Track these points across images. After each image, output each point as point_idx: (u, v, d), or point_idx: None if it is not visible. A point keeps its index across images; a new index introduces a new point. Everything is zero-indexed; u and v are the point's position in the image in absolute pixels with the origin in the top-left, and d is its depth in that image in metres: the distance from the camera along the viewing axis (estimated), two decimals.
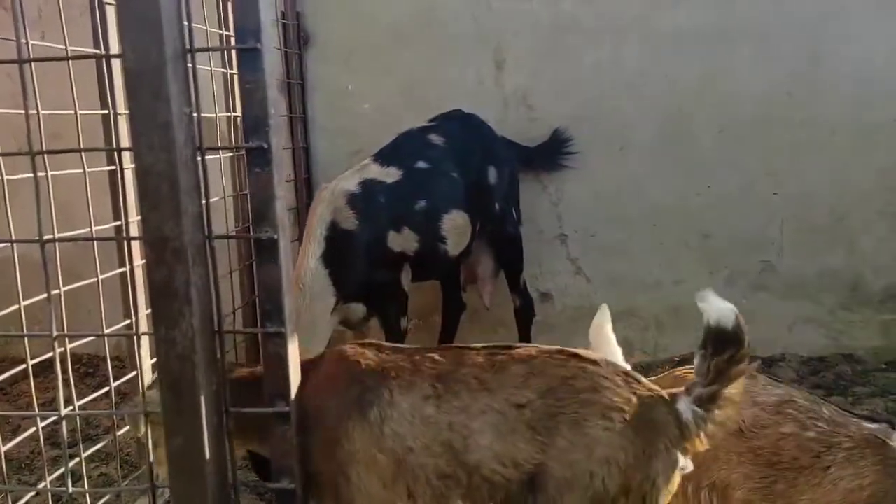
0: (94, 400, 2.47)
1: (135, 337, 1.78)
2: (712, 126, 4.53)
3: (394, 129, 4.08)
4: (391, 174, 3.71)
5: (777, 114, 4.47)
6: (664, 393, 1.78)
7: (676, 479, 1.74)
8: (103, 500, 2.56)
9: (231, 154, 3.55)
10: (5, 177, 2.05)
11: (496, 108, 4.52)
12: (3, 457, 2.01)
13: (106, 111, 2.41)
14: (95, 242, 2.27)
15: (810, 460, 1.95)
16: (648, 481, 1.68)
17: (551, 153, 4.54)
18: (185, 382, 1.51)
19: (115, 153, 2.01)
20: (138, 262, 2.23)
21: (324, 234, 3.45)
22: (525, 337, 4.31)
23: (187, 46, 1.53)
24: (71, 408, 2.02)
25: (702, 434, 1.72)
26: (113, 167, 2.45)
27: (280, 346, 1.61)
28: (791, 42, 4.41)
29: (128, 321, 2.30)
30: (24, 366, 2.07)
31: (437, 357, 1.82)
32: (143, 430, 1.79)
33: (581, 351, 1.83)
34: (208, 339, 1.56)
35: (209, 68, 3.21)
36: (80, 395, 2.28)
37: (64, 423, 1.80)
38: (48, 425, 2.12)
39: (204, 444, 1.53)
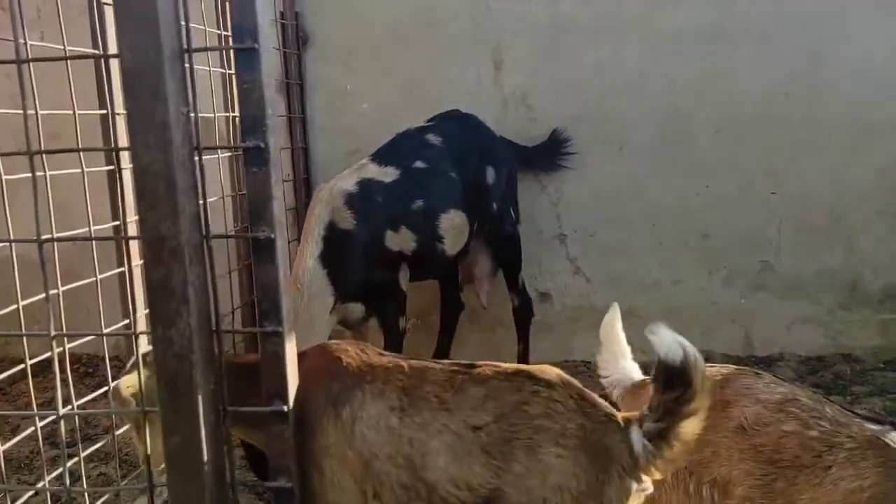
0: (93, 400, 2.47)
1: (133, 336, 1.78)
2: (711, 126, 4.54)
3: (393, 129, 4.09)
4: (389, 174, 3.72)
5: (776, 114, 4.47)
6: (619, 417, 1.77)
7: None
8: (102, 499, 2.56)
9: (230, 154, 3.56)
10: (4, 177, 2.05)
11: (495, 108, 4.53)
12: (2, 457, 2.01)
13: (104, 111, 2.41)
14: (94, 242, 2.27)
15: (812, 459, 1.94)
16: None
17: (550, 153, 4.55)
18: (183, 381, 1.51)
19: (114, 153, 2.01)
20: (137, 261, 2.24)
21: (321, 234, 3.46)
22: (523, 337, 4.32)
23: (185, 46, 1.53)
24: (70, 407, 2.02)
25: (653, 467, 1.70)
26: (111, 167, 2.45)
27: (278, 345, 1.61)
28: (790, 42, 4.41)
29: (126, 321, 2.31)
30: (22, 365, 2.07)
31: (406, 368, 1.84)
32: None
33: (537, 371, 1.81)
34: (206, 339, 1.56)
35: (208, 68, 3.22)
36: (80, 395, 2.28)
37: (62, 422, 1.80)
38: (47, 425, 2.12)
39: (202, 443, 1.53)
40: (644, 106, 4.55)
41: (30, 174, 1.72)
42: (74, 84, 2.23)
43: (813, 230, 4.56)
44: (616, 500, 1.68)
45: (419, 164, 3.81)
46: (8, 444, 2.14)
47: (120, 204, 2.32)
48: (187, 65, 1.55)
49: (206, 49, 1.73)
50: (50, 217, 1.96)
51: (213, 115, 3.18)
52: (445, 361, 1.89)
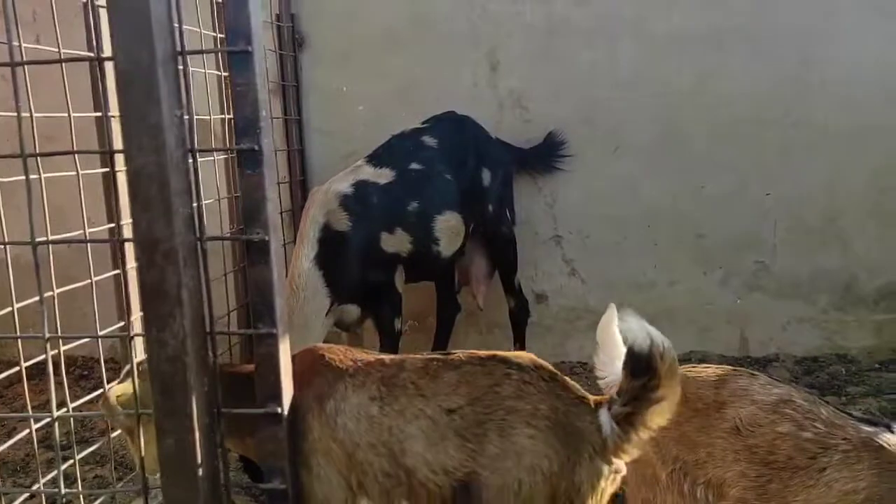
0: (89, 402, 2.47)
1: (128, 339, 1.78)
2: (705, 127, 4.55)
3: (388, 131, 4.09)
4: (384, 175, 3.72)
5: (770, 115, 4.49)
6: (590, 399, 1.79)
7: (603, 485, 1.74)
8: (97, 502, 2.56)
9: (225, 156, 3.56)
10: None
11: (490, 109, 4.53)
12: None
13: (99, 114, 2.42)
14: (89, 245, 2.28)
15: (806, 461, 1.94)
16: (573, 489, 1.70)
17: (546, 155, 4.55)
18: (177, 384, 1.52)
19: (108, 156, 2.02)
20: (132, 264, 2.24)
21: (317, 236, 3.46)
22: (520, 338, 4.33)
23: (178, 49, 1.54)
24: (64, 409, 2.02)
25: (620, 450, 1.73)
26: (106, 170, 2.46)
27: (272, 346, 1.61)
28: (784, 44, 4.43)
29: (121, 324, 2.31)
30: (18, 368, 2.08)
31: (386, 361, 1.89)
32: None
33: (510, 356, 1.85)
34: (200, 341, 1.57)
35: (203, 70, 3.22)
36: (75, 398, 2.29)
37: (57, 424, 1.81)
38: (42, 427, 2.12)
39: (196, 445, 1.54)
40: (639, 107, 4.56)
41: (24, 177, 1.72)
42: (70, 87, 2.24)
43: (807, 231, 4.58)
44: (587, 481, 1.70)
45: (415, 165, 3.82)
46: (3, 447, 2.14)
47: (114, 207, 2.33)
48: (181, 67, 1.55)
49: (199, 52, 1.74)
50: (45, 220, 1.97)
51: (208, 116, 3.18)
52: (426, 353, 1.93)
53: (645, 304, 4.46)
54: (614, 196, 4.63)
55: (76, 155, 2.01)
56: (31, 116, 1.97)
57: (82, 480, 2.30)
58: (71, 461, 2.24)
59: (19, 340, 2.02)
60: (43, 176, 1.95)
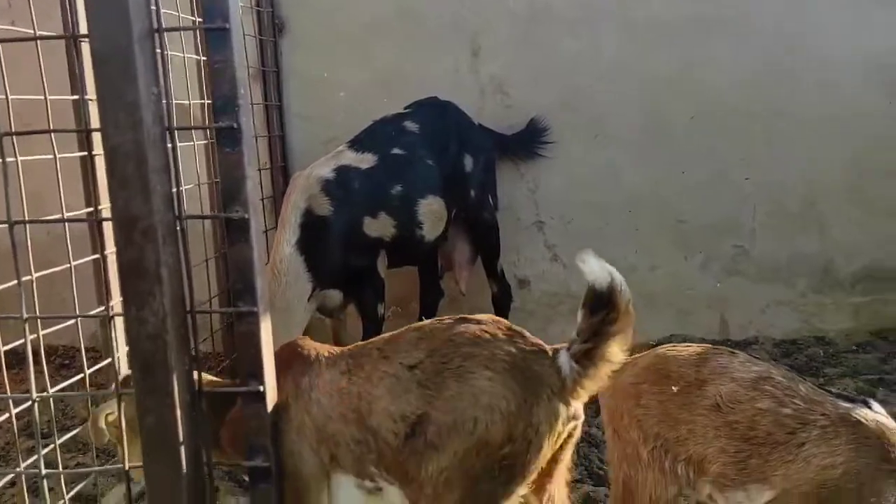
0: (70, 387, 2.45)
1: (108, 319, 1.77)
2: (687, 114, 4.57)
3: (369, 116, 4.08)
4: (366, 160, 3.71)
5: (751, 102, 4.52)
6: (547, 347, 1.85)
7: (560, 427, 1.79)
8: (78, 487, 2.55)
9: (205, 141, 3.54)
10: None
11: (473, 95, 4.52)
12: None
13: (76, 97, 2.39)
14: (67, 228, 2.25)
15: (785, 436, 1.97)
16: (531, 429, 1.74)
17: (528, 141, 4.56)
18: (157, 362, 1.51)
19: (85, 136, 2.00)
20: (111, 248, 2.22)
21: (299, 221, 3.45)
22: None
23: (154, 26, 1.53)
24: (44, 392, 2.00)
25: (580, 387, 1.78)
26: (84, 153, 2.43)
27: (253, 324, 1.61)
28: (765, 33, 4.45)
29: (101, 308, 2.29)
30: None
31: (358, 342, 2.01)
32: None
33: (471, 315, 1.93)
34: (180, 319, 1.56)
35: (182, 55, 3.19)
36: (55, 385, 2.27)
37: (36, 406, 1.79)
38: (23, 414, 2.10)
39: (177, 422, 1.54)
40: (621, 94, 4.57)
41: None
42: (46, 71, 2.21)
43: (786, 215, 4.62)
44: (545, 421, 1.74)
45: (397, 150, 3.81)
46: None
47: (92, 189, 2.31)
48: (158, 47, 1.54)
49: (176, 29, 1.72)
50: (22, 204, 1.95)
51: (187, 101, 3.15)
52: None
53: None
54: (596, 182, 4.64)
55: (53, 137, 1.98)
56: (7, 98, 1.94)
57: (64, 467, 2.28)
58: (52, 446, 2.22)
59: None
60: (20, 159, 1.92)
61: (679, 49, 4.49)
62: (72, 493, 2.34)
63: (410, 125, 3.96)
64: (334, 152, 3.78)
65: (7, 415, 2.10)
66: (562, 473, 1.94)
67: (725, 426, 2.01)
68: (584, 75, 4.56)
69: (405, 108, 4.08)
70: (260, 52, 4.42)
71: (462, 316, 1.93)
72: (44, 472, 1.72)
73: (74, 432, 2.47)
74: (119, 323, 2.34)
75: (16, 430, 2.14)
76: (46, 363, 2.15)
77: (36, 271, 2.08)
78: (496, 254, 4.30)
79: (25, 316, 1.71)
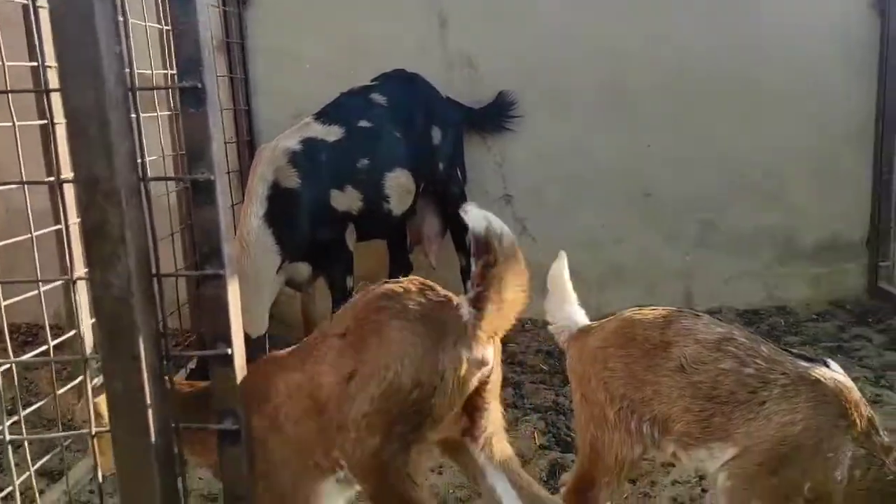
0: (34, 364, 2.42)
1: (71, 283, 1.74)
2: (654, 88, 4.61)
3: (337, 90, 4.05)
4: (333, 133, 3.69)
5: (716, 76, 4.57)
6: (454, 297, 1.94)
7: (465, 372, 1.87)
8: (43, 461, 2.52)
9: (169, 112, 3.48)
10: None
11: (440, 68, 4.51)
12: None
13: (35, 63, 2.33)
14: (29, 204, 2.21)
15: (747, 395, 2.02)
16: (437, 374, 1.84)
17: (495, 115, 4.56)
18: (123, 325, 1.49)
19: (45, 97, 1.96)
20: (74, 218, 2.19)
21: (266, 194, 3.42)
22: None
23: None
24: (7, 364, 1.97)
25: (479, 331, 1.87)
26: (44, 122, 2.38)
27: (219, 287, 1.60)
28: (733, 7, 4.50)
29: (66, 277, 2.26)
30: None
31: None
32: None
33: (392, 280, 2.04)
34: (146, 282, 1.54)
35: (144, 24, 3.13)
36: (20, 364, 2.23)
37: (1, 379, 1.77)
38: None
39: (144, 387, 1.52)
40: (589, 68, 4.60)
41: None
42: (6, 41, 2.15)
43: (751, 189, 4.70)
44: (449, 367, 1.84)
45: (364, 123, 3.79)
46: None
47: (54, 156, 2.27)
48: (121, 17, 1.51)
49: None
50: None
51: (150, 70, 3.09)
52: None
53: (595, 262, 4.61)
54: (564, 156, 4.67)
55: (10, 100, 1.94)
56: None
57: (29, 445, 2.25)
58: (16, 418, 2.19)
59: None
60: None
61: (648, 23, 4.52)
62: (37, 465, 2.31)
63: (377, 98, 3.94)
64: (300, 124, 3.74)
65: None
66: (495, 423, 2.03)
67: (689, 386, 2.05)
68: (551, 49, 4.57)
69: (372, 81, 4.05)
70: (224, 24, 4.36)
71: (384, 281, 2.02)
72: (7, 437, 1.70)
73: (40, 404, 2.43)
74: (83, 294, 2.33)
75: None
76: (10, 341, 2.12)
77: None
78: (464, 227, 4.29)
79: None
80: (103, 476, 1.80)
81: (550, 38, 4.57)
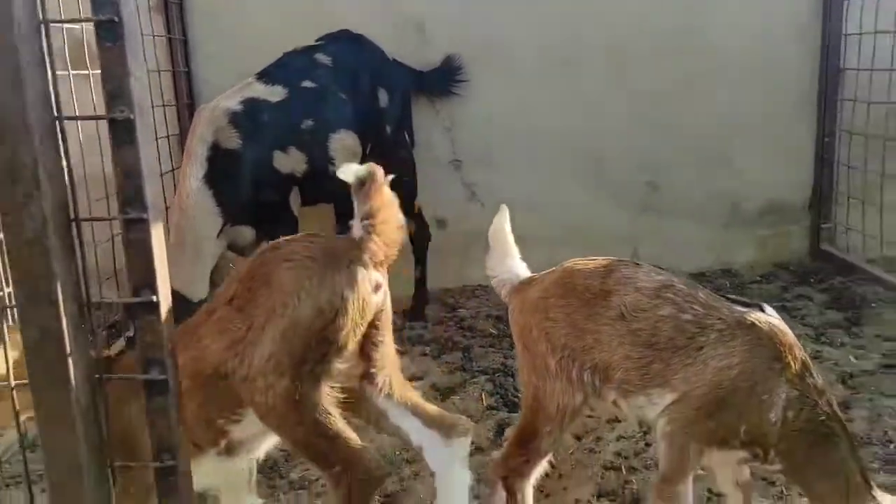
0: None
1: None
2: (602, 52, 4.61)
3: (281, 51, 3.94)
4: (276, 93, 3.60)
5: (665, 40, 4.60)
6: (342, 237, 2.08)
7: (365, 293, 1.94)
8: None
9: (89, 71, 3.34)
10: None
11: (387, 30, 4.42)
12: None
13: None
14: None
15: (685, 341, 2.03)
16: (337, 296, 1.89)
17: (443, 79, 4.51)
18: (38, 269, 1.43)
19: None
20: None
21: (205, 155, 3.33)
22: (421, 260, 4.34)
23: None
24: None
25: (373, 243, 1.98)
26: None
27: (143, 232, 1.53)
28: None
29: None
30: None
31: None
32: None
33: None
34: (63, 228, 1.48)
35: None
36: None
37: None
38: None
39: (63, 334, 1.46)
40: (537, 31, 4.57)
41: None
42: None
43: (698, 153, 4.74)
44: (348, 287, 1.91)
45: (308, 83, 3.71)
46: None
47: None
48: None
49: None
50: None
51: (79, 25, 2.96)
52: None
53: (543, 225, 4.60)
54: (513, 120, 4.65)
55: None
56: None
57: None
58: None
59: None
60: None
61: None
62: None
63: (322, 58, 3.85)
64: (242, 84, 3.65)
65: None
66: (390, 359, 2.10)
67: (629, 334, 2.05)
68: (500, 12, 4.53)
69: (316, 41, 3.96)
70: None
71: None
72: None
73: None
74: None
75: None
76: None
77: None
78: (413, 192, 4.27)
79: None
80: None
81: (498, 2, 4.53)
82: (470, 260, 4.70)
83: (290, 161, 3.58)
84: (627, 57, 4.60)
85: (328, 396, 1.92)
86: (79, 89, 2.18)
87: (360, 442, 1.97)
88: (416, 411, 2.14)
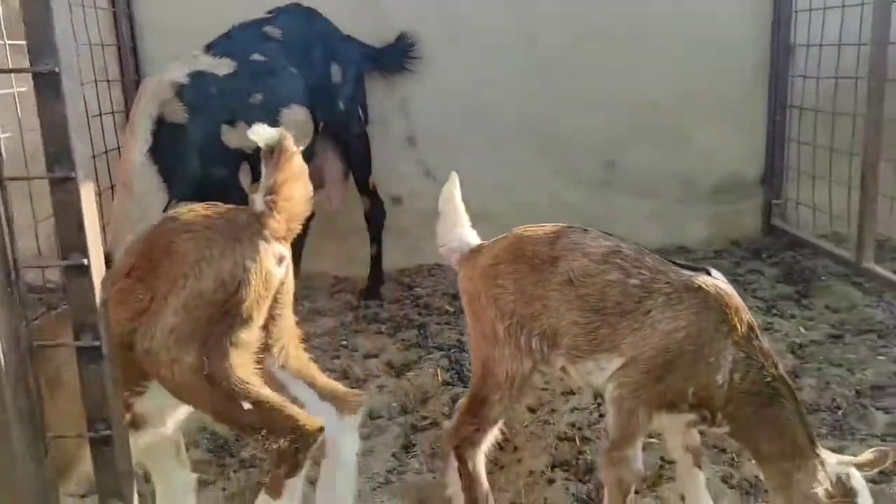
0: None
1: None
2: (558, 29, 4.60)
3: (229, 25, 3.84)
4: (224, 66, 3.52)
5: (619, 18, 4.61)
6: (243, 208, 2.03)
7: (269, 265, 1.92)
8: None
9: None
10: None
11: (341, 5, 4.34)
12: None
13: None
14: None
15: (633, 305, 2.02)
16: (239, 268, 1.87)
17: (398, 56, 4.46)
18: None
19: None
20: None
21: (150, 129, 3.24)
22: (376, 238, 4.30)
23: None
24: None
25: (273, 220, 1.94)
26: None
27: (72, 192, 1.47)
28: None
29: None
30: None
31: None
32: None
33: None
34: None
35: None
36: None
37: None
38: None
39: None
40: (494, 9, 4.56)
41: None
42: None
43: (653, 131, 4.76)
44: (250, 257, 1.88)
45: (257, 56, 3.63)
46: None
47: None
48: None
49: None
50: None
51: None
52: None
53: (499, 205, 4.58)
54: (468, 97, 4.62)
55: None
56: None
57: None
58: None
59: None
60: None
61: None
62: None
63: (272, 31, 3.78)
64: (188, 56, 3.55)
65: None
66: (289, 331, 2.08)
67: (577, 299, 2.04)
68: None
69: (266, 14, 3.88)
70: None
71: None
72: None
73: None
74: None
75: None
76: None
77: None
78: (367, 169, 4.22)
79: None
80: None
81: None
82: (426, 239, 4.66)
83: (239, 136, 3.49)
84: (583, 35, 4.60)
85: (243, 366, 1.88)
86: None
87: (285, 403, 1.94)
88: (312, 384, 2.14)
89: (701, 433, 2.26)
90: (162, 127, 3.27)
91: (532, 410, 3.06)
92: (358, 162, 4.16)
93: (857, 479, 1.97)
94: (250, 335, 1.90)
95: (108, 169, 3.90)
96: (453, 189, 2.34)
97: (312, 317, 4.09)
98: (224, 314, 1.84)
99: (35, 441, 1.51)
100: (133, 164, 3.20)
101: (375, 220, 4.27)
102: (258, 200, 1.97)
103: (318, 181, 4.24)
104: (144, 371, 1.84)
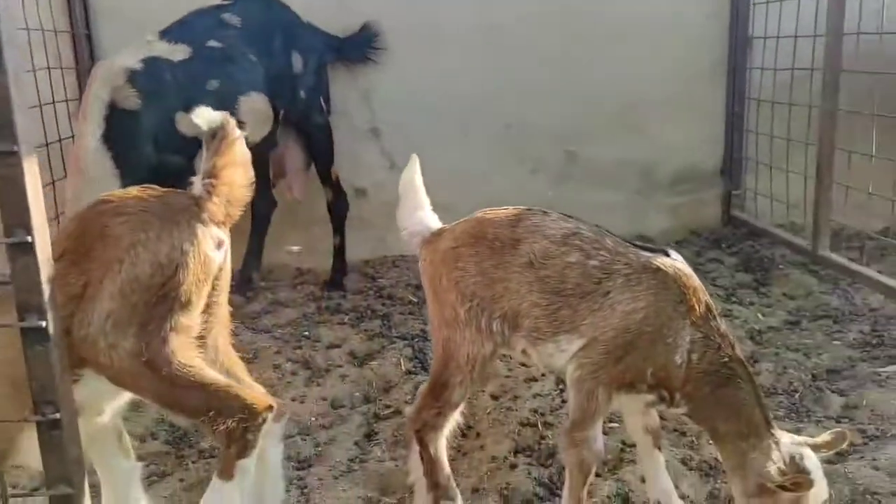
0: None
1: None
2: (520, 20, 4.60)
3: (186, 12, 3.78)
4: (179, 52, 3.45)
5: (581, 10, 4.63)
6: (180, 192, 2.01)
7: (207, 249, 1.89)
8: None
9: None
10: None
11: None
12: None
13: None
14: None
15: (592, 286, 2.03)
16: (176, 251, 1.84)
17: (361, 46, 4.42)
18: None
19: None
20: None
21: (102, 114, 3.17)
22: (339, 229, 4.26)
23: None
24: None
25: (211, 204, 1.92)
26: None
27: (14, 167, 1.43)
28: None
29: None
30: None
31: None
32: None
33: None
34: None
35: None
36: None
37: None
38: None
39: None
40: (455, 1, 4.53)
41: None
42: None
43: (613, 122, 4.79)
44: (188, 241, 1.86)
45: (214, 43, 3.57)
46: None
47: None
48: None
49: None
50: None
51: None
52: None
53: (463, 196, 4.53)
54: (431, 88, 4.59)
55: None
56: None
57: None
58: None
59: None
60: None
61: None
62: None
63: (230, 18, 3.72)
64: (141, 41, 3.47)
65: None
66: (222, 322, 2.05)
67: (538, 281, 2.04)
68: None
69: (224, 0, 3.81)
70: None
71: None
72: None
73: None
74: None
75: None
76: None
77: None
78: (329, 159, 4.18)
79: None
80: None
81: None
82: (390, 230, 4.62)
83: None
84: (543, 26, 4.61)
85: (184, 350, 1.84)
86: None
87: (231, 383, 1.92)
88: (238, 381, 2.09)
89: (660, 415, 2.28)
90: (114, 112, 3.19)
91: (495, 397, 3.05)
92: (320, 152, 4.11)
93: (811, 460, 1.99)
94: (190, 319, 1.86)
95: (63, 158, 3.81)
96: (413, 173, 2.33)
97: (275, 308, 4.05)
98: (162, 298, 1.81)
99: None
100: (86, 150, 3.12)
101: (338, 211, 4.23)
102: (197, 183, 1.95)
103: (279, 171, 4.21)
104: (80, 358, 1.79)
